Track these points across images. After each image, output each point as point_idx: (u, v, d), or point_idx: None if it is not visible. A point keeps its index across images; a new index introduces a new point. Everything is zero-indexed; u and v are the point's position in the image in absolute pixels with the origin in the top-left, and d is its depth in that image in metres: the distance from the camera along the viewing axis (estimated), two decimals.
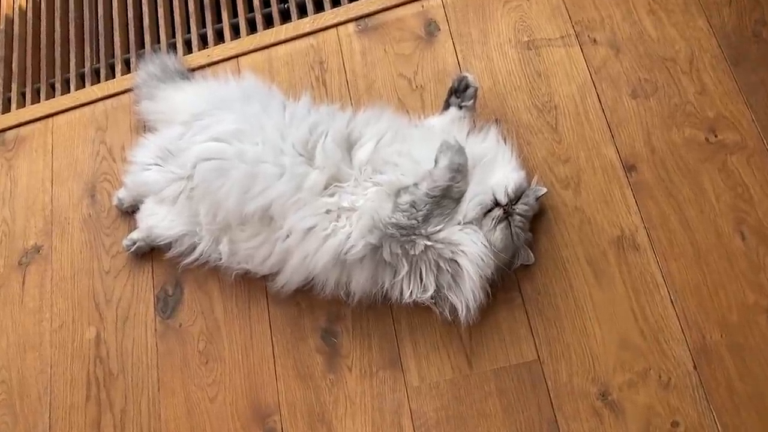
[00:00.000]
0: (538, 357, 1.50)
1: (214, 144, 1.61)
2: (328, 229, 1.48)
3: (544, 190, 1.54)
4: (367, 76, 1.85)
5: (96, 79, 2.10)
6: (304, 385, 1.59)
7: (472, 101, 1.61)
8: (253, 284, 1.68)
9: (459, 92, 1.63)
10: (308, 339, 1.62)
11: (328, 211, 1.50)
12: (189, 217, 1.67)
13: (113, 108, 2.01)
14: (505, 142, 1.57)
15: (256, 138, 1.58)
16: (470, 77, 1.62)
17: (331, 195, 1.52)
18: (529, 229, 1.52)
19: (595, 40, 1.73)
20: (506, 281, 1.53)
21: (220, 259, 1.65)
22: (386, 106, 1.66)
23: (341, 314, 1.62)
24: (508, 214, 1.46)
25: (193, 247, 1.68)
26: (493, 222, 1.45)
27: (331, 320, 1.62)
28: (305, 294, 1.61)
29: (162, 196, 1.71)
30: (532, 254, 1.52)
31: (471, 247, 1.43)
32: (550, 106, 1.70)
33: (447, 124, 1.60)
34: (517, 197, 1.48)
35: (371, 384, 1.55)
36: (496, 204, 1.45)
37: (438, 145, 1.47)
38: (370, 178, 1.51)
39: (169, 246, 1.71)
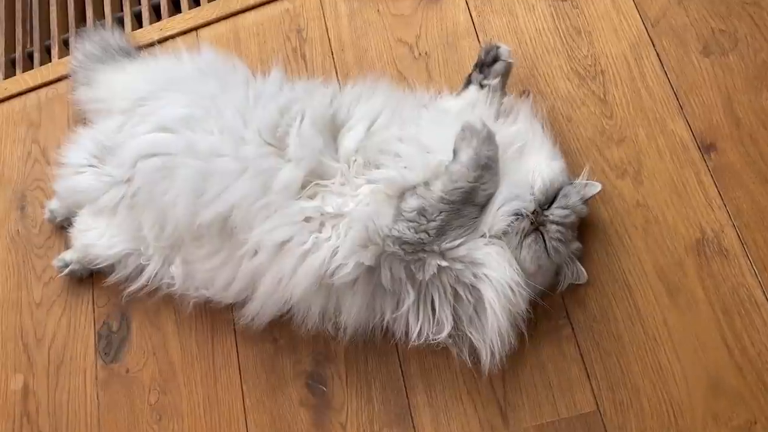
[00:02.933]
0: (597, 407, 1.10)
1: (156, 135, 1.23)
2: (307, 243, 1.09)
3: (597, 186, 1.14)
4: (356, 44, 1.46)
5: (29, 64, 1.72)
6: None
7: (498, 80, 1.21)
8: (217, 316, 1.30)
9: (486, 65, 1.22)
10: (289, 387, 1.24)
11: (306, 219, 1.11)
12: (132, 232, 1.29)
13: (48, 99, 1.64)
14: (540, 123, 1.18)
15: (210, 125, 1.20)
16: (503, 48, 1.22)
17: (311, 197, 1.13)
18: (575, 237, 1.12)
19: None
20: (550, 304, 1.14)
21: (174, 284, 1.26)
22: (382, 78, 1.25)
23: (331, 353, 1.24)
24: (538, 225, 1.07)
25: (140, 270, 1.31)
26: (519, 237, 1.06)
27: (318, 362, 1.24)
28: (284, 327, 1.23)
29: (99, 206, 1.33)
30: (583, 270, 1.14)
31: (497, 271, 1.04)
32: (595, 71, 1.30)
33: (465, 108, 1.20)
34: (549, 199, 1.08)
35: None
36: (519, 214, 1.06)
37: (456, 129, 1.07)
38: (363, 174, 1.12)
39: (111, 269, 1.32)
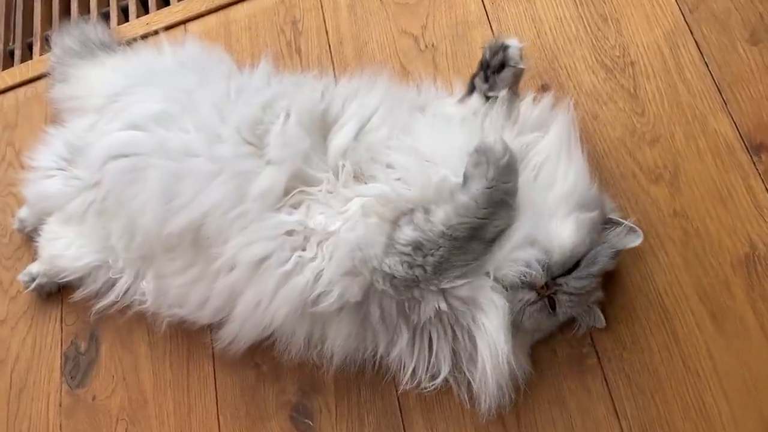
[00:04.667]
0: None
1: (127, 133, 1.09)
2: (288, 263, 0.94)
3: (639, 238, 0.93)
4: (356, 36, 1.32)
5: (9, 62, 1.61)
6: None
7: (506, 91, 1.01)
8: (194, 338, 1.15)
9: (491, 72, 1.02)
10: (271, 420, 1.08)
11: (289, 233, 0.96)
12: (102, 242, 1.15)
13: (26, 99, 1.52)
14: (578, 143, 0.97)
15: (186, 123, 1.06)
16: (513, 48, 1.01)
17: (294, 206, 0.98)
18: (594, 292, 0.94)
19: None
20: (571, 328, 0.97)
21: (145, 301, 1.12)
22: (382, 72, 1.10)
23: (320, 383, 1.08)
24: (547, 295, 0.90)
25: (111, 285, 1.16)
26: (521, 304, 0.89)
27: (304, 392, 1.08)
28: (267, 352, 1.07)
29: (68, 213, 1.19)
30: (602, 317, 0.97)
31: (493, 329, 0.88)
32: (624, 63, 1.14)
33: (469, 117, 1.02)
34: (567, 268, 0.89)
35: None
36: (527, 283, 0.88)
37: (461, 139, 0.92)
38: (352, 186, 0.97)
39: (80, 282, 1.18)
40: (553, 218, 0.89)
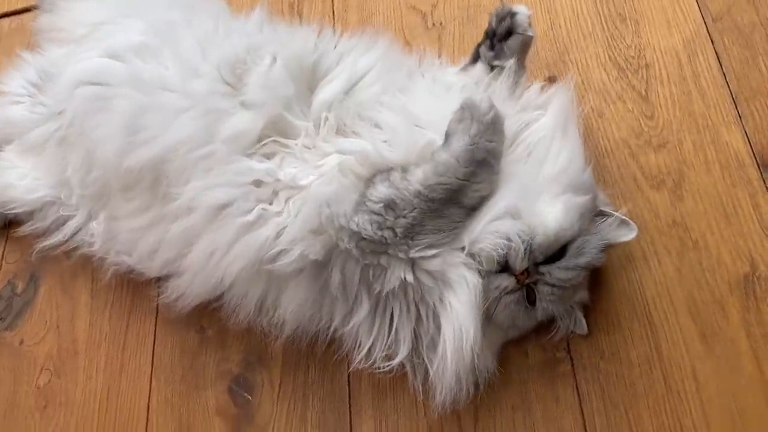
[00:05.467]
0: None
1: (102, 61, 1.01)
2: (250, 214, 0.86)
3: (632, 232, 0.85)
4: (362, 5, 1.26)
5: None
6: None
7: (513, 60, 0.94)
8: (139, 293, 1.06)
9: (497, 39, 0.95)
10: (207, 390, 0.98)
11: (256, 183, 0.87)
12: (58, 177, 1.07)
13: (10, 30, 1.44)
14: (577, 125, 0.90)
15: (165, 57, 0.97)
16: (521, 14, 0.94)
17: (267, 156, 0.89)
18: (580, 288, 0.86)
19: None
20: (547, 330, 0.89)
21: (93, 242, 1.03)
22: (383, 35, 1.02)
23: (267, 355, 0.99)
24: (527, 284, 0.81)
25: (61, 224, 1.08)
26: (498, 292, 0.80)
27: (249, 363, 0.99)
28: (214, 317, 0.98)
29: (28, 142, 1.11)
30: (584, 322, 0.88)
31: (462, 309, 0.78)
32: (638, 65, 1.08)
33: (470, 86, 0.95)
34: (550, 254, 0.81)
35: None
36: (505, 266, 0.80)
37: (455, 105, 0.82)
38: (332, 140, 0.89)
39: (29, 218, 1.09)
40: (541, 196, 0.81)
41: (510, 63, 0.93)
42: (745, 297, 0.89)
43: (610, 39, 1.11)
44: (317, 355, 0.95)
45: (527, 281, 0.80)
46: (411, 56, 1.02)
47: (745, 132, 0.99)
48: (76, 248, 1.06)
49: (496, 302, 0.81)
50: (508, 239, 0.77)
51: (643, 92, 1.05)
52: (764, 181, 0.95)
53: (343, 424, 0.92)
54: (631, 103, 1.05)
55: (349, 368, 0.86)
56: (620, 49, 1.10)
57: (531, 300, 0.82)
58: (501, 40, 0.94)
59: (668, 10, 1.11)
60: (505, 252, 0.77)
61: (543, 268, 0.81)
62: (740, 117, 1.00)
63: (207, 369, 0.99)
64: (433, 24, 1.20)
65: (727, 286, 0.90)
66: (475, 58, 0.97)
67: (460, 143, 0.77)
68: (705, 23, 1.08)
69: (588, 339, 0.90)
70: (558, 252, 0.81)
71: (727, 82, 1.03)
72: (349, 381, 0.94)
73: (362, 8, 1.25)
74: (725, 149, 0.98)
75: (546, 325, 0.88)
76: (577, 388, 0.88)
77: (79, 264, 1.09)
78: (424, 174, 0.78)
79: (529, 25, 0.93)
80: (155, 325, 1.04)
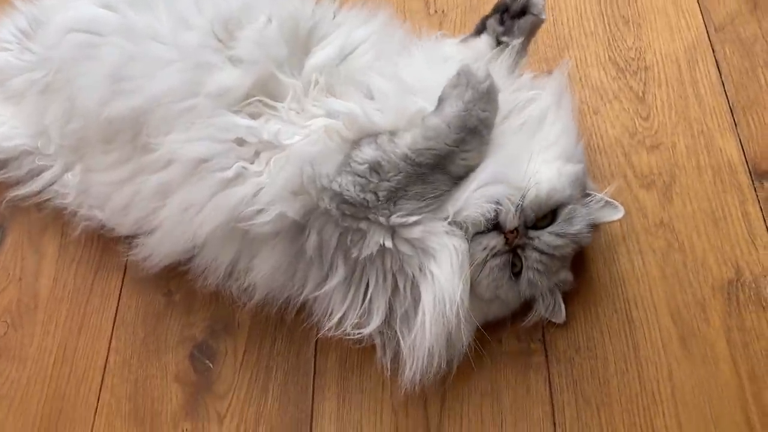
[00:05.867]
0: None
1: (94, 10, 0.98)
2: (229, 171, 0.83)
3: (619, 212, 0.84)
4: None
5: None
6: (139, 431, 0.90)
7: (521, 39, 0.93)
8: (108, 251, 1.02)
9: (509, 16, 0.94)
10: (168, 354, 0.95)
11: (239, 141, 0.85)
12: (37, 127, 1.03)
13: None
14: (570, 103, 0.89)
15: (160, 11, 0.95)
16: None
17: (252, 116, 0.87)
18: (565, 266, 0.85)
19: None
20: (523, 317, 0.86)
21: (67, 194, 1.00)
22: (384, 8, 1.00)
23: (233, 324, 0.95)
24: (516, 248, 0.79)
25: (35, 174, 1.04)
26: (486, 253, 0.78)
27: (214, 331, 0.95)
28: (183, 281, 0.95)
29: (11, 89, 1.08)
30: (563, 309, 0.86)
31: (444, 275, 0.76)
32: (637, 66, 1.06)
33: (470, 58, 0.92)
34: (541, 215, 0.80)
35: None
36: (495, 224, 0.78)
37: (450, 75, 0.80)
38: (321, 100, 0.87)
39: (2, 165, 1.06)
40: (532, 161, 0.79)
41: (517, 42, 0.91)
42: (728, 302, 0.87)
43: (611, 39, 1.10)
44: (285, 327, 0.92)
45: (516, 242, 0.78)
46: (409, 31, 1.01)
47: (740, 140, 0.98)
48: (48, 201, 1.03)
49: (481, 266, 0.78)
50: (497, 203, 0.75)
51: (640, 93, 1.04)
52: (755, 189, 0.93)
53: (304, 399, 0.88)
54: (627, 103, 1.03)
55: (317, 335, 0.82)
56: (621, 50, 1.09)
57: (516, 272, 0.80)
58: (513, 18, 0.92)
59: (672, 16, 1.10)
60: (495, 210, 0.75)
61: (532, 233, 0.79)
62: (736, 125, 0.99)
63: (170, 333, 0.96)
64: (435, 11, 1.19)
65: (711, 290, 0.88)
66: (479, 30, 0.96)
67: (452, 108, 0.75)
68: (707, 32, 1.08)
69: (564, 332, 0.87)
70: (548, 217, 0.79)
71: (725, 90, 1.02)
72: (315, 356, 0.91)
73: None
74: (718, 155, 0.97)
75: (524, 311, 0.85)
76: (549, 380, 0.85)
77: (50, 218, 1.05)
78: (413, 138, 0.76)
79: (543, 8, 0.91)
80: (121, 285, 1.00)
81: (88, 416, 0.91)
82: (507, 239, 0.77)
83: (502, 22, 0.95)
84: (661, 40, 1.08)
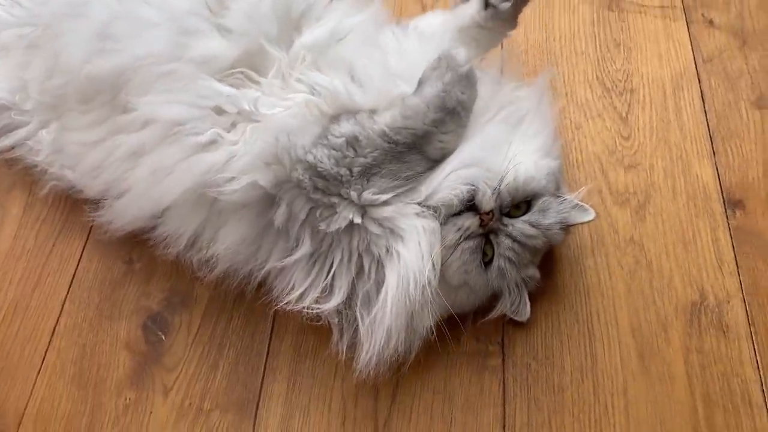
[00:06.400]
0: None
1: None
2: (203, 135, 0.82)
3: (590, 214, 0.84)
4: None
5: None
6: (81, 395, 0.87)
7: (510, 3, 0.89)
8: (74, 212, 1.00)
9: None
10: (121, 321, 0.92)
11: (217, 110, 0.84)
12: (17, 82, 1.02)
13: None
14: (550, 103, 0.90)
15: None
16: None
17: (233, 86, 0.86)
18: (534, 263, 0.84)
19: (711, 22, 1.13)
20: (483, 319, 0.85)
21: (39, 151, 0.98)
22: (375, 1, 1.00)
23: (191, 298, 0.93)
24: (489, 232, 0.78)
25: (10, 129, 1.02)
26: (459, 234, 0.77)
27: (170, 303, 0.93)
28: (146, 251, 0.93)
29: None
30: (528, 306, 0.85)
31: (411, 255, 0.75)
32: (624, 88, 1.07)
33: (453, 29, 0.92)
34: (516, 202, 0.80)
35: (190, 429, 0.84)
36: (470, 205, 0.78)
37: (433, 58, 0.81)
38: (306, 75, 0.86)
39: None
40: (510, 150, 0.79)
41: (506, 5, 0.89)
42: (690, 324, 0.86)
43: (600, 60, 1.11)
44: (243, 306, 0.91)
45: (491, 225, 0.77)
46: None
47: (717, 168, 0.98)
48: (18, 158, 1.01)
49: (453, 247, 0.77)
50: (472, 184, 0.75)
51: (624, 114, 1.04)
52: (727, 217, 0.94)
53: (254, 380, 0.86)
54: (609, 122, 1.04)
55: (276, 308, 0.80)
56: (609, 71, 1.09)
57: (487, 261, 0.79)
58: None
59: (662, 44, 1.11)
60: (472, 190, 0.75)
61: (506, 220, 0.79)
62: (714, 154, 0.99)
63: (126, 301, 0.94)
64: (428, 6, 1.20)
65: (674, 310, 0.87)
66: None
67: (432, 89, 0.76)
68: (695, 62, 1.09)
69: (524, 337, 0.86)
70: (522, 207, 0.80)
71: (707, 119, 1.03)
72: (270, 338, 0.89)
73: None
74: (694, 181, 0.97)
75: (486, 311, 0.84)
76: (503, 384, 0.84)
77: (19, 176, 1.04)
78: (392, 116, 0.76)
79: None
80: (83, 248, 0.98)
81: (30, 376, 0.89)
82: (482, 221, 0.76)
83: None
84: (649, 66, 1.09)
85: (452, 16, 0.94)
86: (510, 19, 0.92)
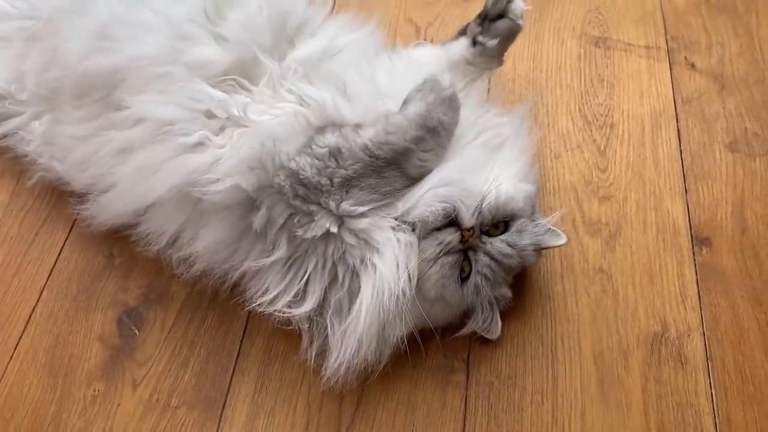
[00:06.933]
0: None
1: None
2: (192, 136, 0.85)
3: (562, 239, 0.88)
4: (363, 5, 1.28)
5: None
6: (50, 383, 0.89)
7: (496, 42, 0.95)
8: (60, 203, 1.02)
9: (488, 19, 0.96)
10: (97, 313, 0.94)
11: (207, 114, 0.87)
12: (15, 71, 1.04)
13: None
14: (528, 132, 0.94)
15: None
16: (516, 4, 0.94)
17: (225, 92, 0.89)
18: (508, 282, 0.87)
19: (693, 65, 1.17)
20: (451, 336, 0.87)
21: (31, 141, 1.00)
22: (370, 21, 1.03)
23: (167, 295, 0.95)
24: (468, 249, 0.81)
25: (4, 118, 1.05)
26: (439, 249, 0.80)
27: (147, 299, 0.95)
28: (126, 247, 0.95)
29: None
30: (499, 325, 0.88)
31: (387, 267, 0.78)
32: (604, 122, 1.11)
33: (443, 62, 0.97)
34: (495, 222, 0.83)
35: (156, 424, 0.86)
36: (452, 222, 0.81)
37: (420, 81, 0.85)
38: (296, 86, 0.89)
39: None
40: (492, 172, 0.83)
41: (492, 44, 0.94)
42: (650, 354, 0.89)
43: (584, 93, 1.14)
44: (217, 307, 0.93)
45: (471, 241, 0.80)
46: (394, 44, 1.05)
47: (688, 206, 1.01)
48: (9, 148, 1.03)
49: (432, 261, 0.80)
50: (448, 203, 0.78)
51: (602, 147, 1.08)
52: (694, 253, 0.97)
53: (222, 380, 0.88)
54: (588, 154, 1.07)
55: (249, 308, 0.82)
56: (591, 105, 1.13)
57: (464, 278, 0.82)
58: (491, 21, 0.95)
59: (645, 83, 1.15)
60: (449, 208, 0.78)
61: (485, 239, 0.82)
62: (686, 191, 1.03)
63: (103, 294, 0.95)
64: (425, 39, 1.23)
65: (636, 340, 0.90)
66: (460, 34, 0.99)
67: (415, 108, 0.79)
68: (675, 103, 1.13)
69: (489, 356, 0.89)
70: (501, 227, 0.83)
71: (682, 158, 1.06)
72: (242, 339, 0.91)
73: (361, 7, 1.28)
74: (665, 216, 1.00)
75: (456, 329, 0.87)
76: (465, 400, 0.86)
77: (8, 164, 1.06)
78: (376, 131, 0.79)
79: (521, 16, 0.94)
80: (65, 240, 1.00)
81: (2, 360, 0.90)
82: (463, 236, 0.79)
83: (480, 24, 0.98)
84: (630, 102, 1.13)
85: (443, 51, 0.98)
86: (497, 56, 0.97)
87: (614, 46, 1.20)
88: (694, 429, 0.83)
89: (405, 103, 0.82)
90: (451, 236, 0.80)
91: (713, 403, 0.85)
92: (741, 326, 0.90)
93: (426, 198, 0.80)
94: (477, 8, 0.98)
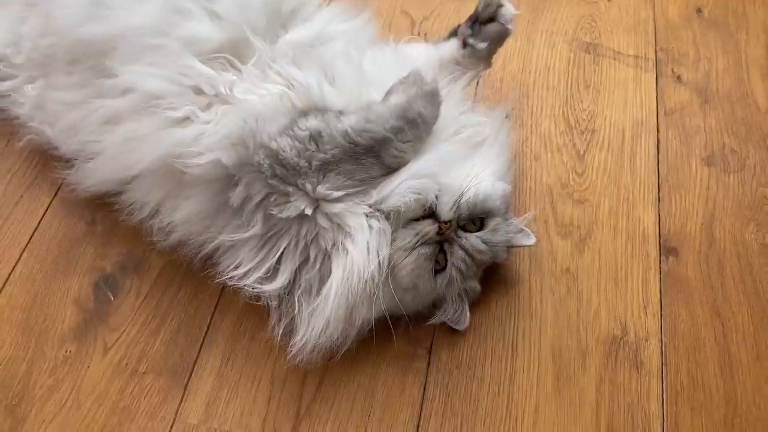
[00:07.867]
0: None
1: None
2: (179, 111, 0.87)
3: (532, 239, 0.92)
4: None
5: None
6: (24, 342, 0.91)
7: (486, 45, 0.99)
8: (47, 167, 1.04)
9: (479, 23, 1.00)
10: (74, 278, 0.96)
11: (196, 90, 0.88)
12: (12, 35, 1.06)
13: None
14: (508, 134, 0.97)
15: None
16: (507, 8, 0.98)
17: (214, 70, 0.91)
18: (478, 276, 0.90)
19: (679, 78, 1.19)
20: (416, 323, 0.90)
21: (22, 104, 1.02)
22: (366, 10, 1.05)
23: (144, 264, 0.98)
24: (444, 241, 0.84)
25: None
26: (416, 239, 0.83)
27: (124, 267, 0.97)
28: (108, 215, 0.97)
29: None
30: (468, 317, 0.90)
31: (358, 252, 0.80)
32: (586, 127, 1.13)
33: (433, 60, 1.00)
34: (472, 218, 0.86)
35: (123, 388, 0.88)
36: (431, 214, 0.83)
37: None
38: (284, 69, 0.91)
39: None
40: (473, 168, 0.86)
41: (482, 46, 0.97)
42: (607, 356, 0.91)
43: (569, 98, 1.16)
44: (192, 280, 0.95)
45: (447, 234, 0.83)
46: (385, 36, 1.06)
47: (659, 215, 1.04)
48: (1, 109, 1.05)
49: (409, 251, 0.82)
50: (420, 194, 0.80)
51: (582, 152, 1.10)
52: (660, 262, 0.99)
53: (191, 350, 0.91)
54: (567, 157, 1.09)
55: (219, 300, 0.84)
56: (575, 110, 1.15)
57: (438, 269, 0.84)
58: (482, 24, 0.98)
59: (630, 91, 1.17)
60: (422, 200, 0.81)
61: (461, 233, 0.84)
62: (659, 201, 1.05)
63: (82, 259, 0.98)
64: (419, 33, 1.25)
65: (595, 340, 0.92)
66: (451, 35, 1.02)
67: (396, 99, 0.82)
68: (657, 113, 1.15)
69: (451, 345, 0.91)
70: (477, 224, 0.86)
71: (658, 168, 1.08)
72: (213, 313, 0.93)
73: None
74: (636, 223, 1.03)
75: (422, 319, 0.89)
76: (424, 387, 0.88)
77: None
78: (357, 118, 0.81)
79: (511, 21, 0.97)
80: (49, 204, 1.02)
81: None
82: (440, 229, 0.82)
83: (472, 26, 1.01)
84: (613, 110, 1.15)
85: (434, 49, 1.01)
86: (486, 58, 0.99)
87: (604, 54, 1.22)
88: (642, 430, 0.86)
89: (388, 94, 0.85)
90: (428, 227, 0.83)
91: (663, 408, 0.87)
92: (698, 336, 0.93)
93: (400, 189, 0.82)
94: (472, 5, 1.00)
